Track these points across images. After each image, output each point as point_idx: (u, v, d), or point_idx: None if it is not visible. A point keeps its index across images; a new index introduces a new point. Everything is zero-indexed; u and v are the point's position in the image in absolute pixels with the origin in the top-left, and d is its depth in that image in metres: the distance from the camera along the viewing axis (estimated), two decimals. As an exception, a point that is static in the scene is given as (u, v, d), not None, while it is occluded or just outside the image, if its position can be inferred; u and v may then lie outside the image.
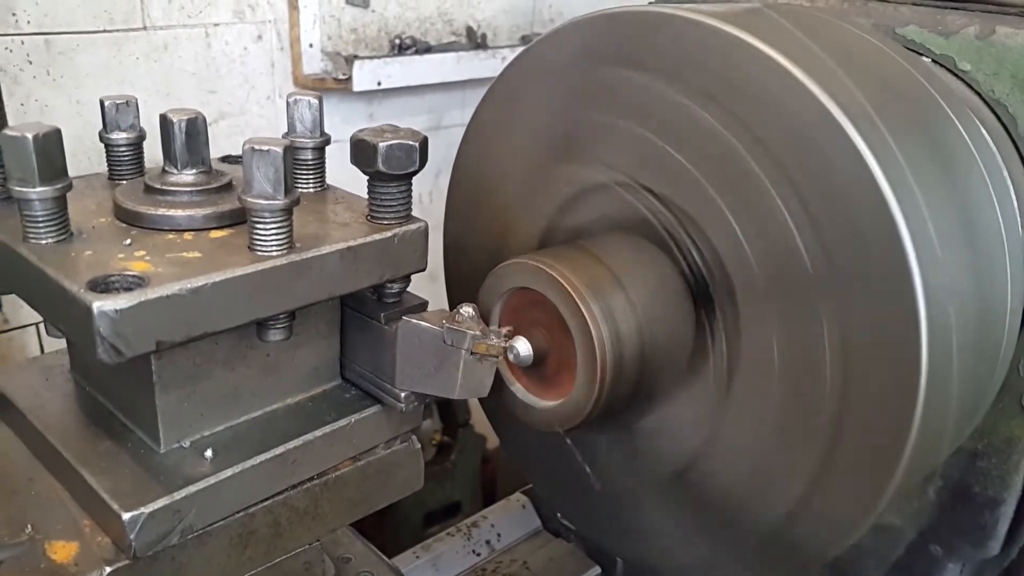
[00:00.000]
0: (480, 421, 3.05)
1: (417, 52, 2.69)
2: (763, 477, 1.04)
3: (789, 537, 1.04)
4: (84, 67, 2.15)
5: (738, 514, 1.08)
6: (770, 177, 0.92)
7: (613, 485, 1.23)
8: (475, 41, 2.86)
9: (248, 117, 2.47)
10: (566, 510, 1.57)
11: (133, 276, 0.81)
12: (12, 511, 0.93)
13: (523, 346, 1.06)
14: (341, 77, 2.52)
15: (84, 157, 2.03)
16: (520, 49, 2.99)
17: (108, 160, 1.07)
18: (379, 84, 2.58)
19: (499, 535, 1.80)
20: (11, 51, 2.02)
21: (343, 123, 2.57)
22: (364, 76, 2.53)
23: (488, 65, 2.80)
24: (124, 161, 1.07)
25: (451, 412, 3.02)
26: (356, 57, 2.53)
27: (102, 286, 0.79)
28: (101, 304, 0.76)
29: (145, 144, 1.08)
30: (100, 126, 1.06)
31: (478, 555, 1.75)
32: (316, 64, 2.54)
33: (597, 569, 1.74)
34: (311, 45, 2.51)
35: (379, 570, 1.28)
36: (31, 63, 2.08)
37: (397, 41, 2.70)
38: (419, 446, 1.09)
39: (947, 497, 1.28)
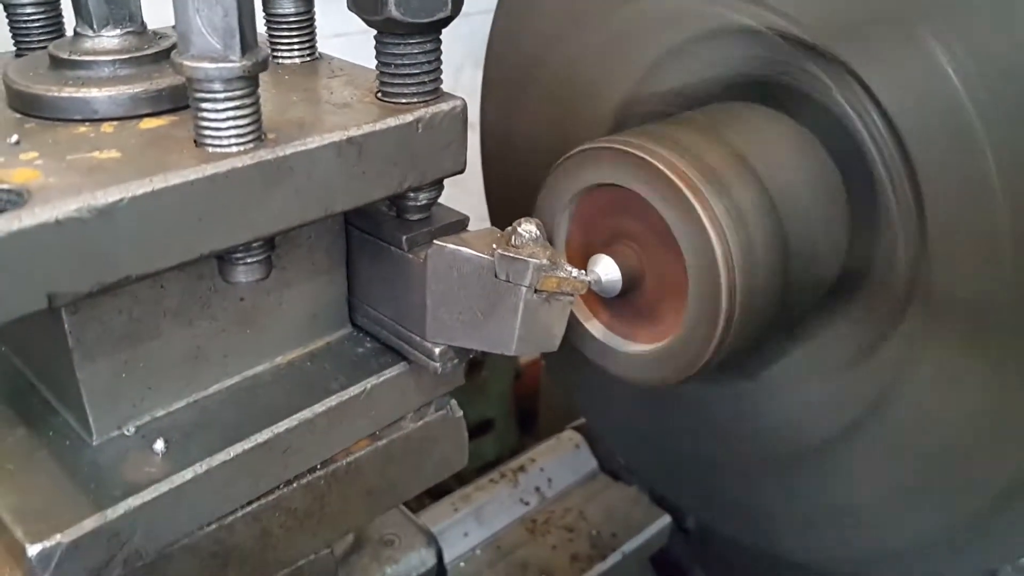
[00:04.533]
0: (513, 336, 2.87)
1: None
2: (968, 450, 0.79)
3: (996, 522, 0.80)
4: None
5: (926, 498, 0.83)
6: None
7: (732, 455, 0.96)
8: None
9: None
10: (659, 480, 1.34)
11: (8, 191, 0.53)
12: None
13: (607, 268, 0.80)
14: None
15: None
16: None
17: (11, 27, 0.79)
18: (387, -37, 2.26)
19: (550, 480, 1.60)
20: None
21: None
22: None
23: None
24: (33, 28, 0.79)
25: (480, 326, 2.83)
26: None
27: (-42, 209, 0.51)
28: (-51, 238, 0.47)
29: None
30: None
31: (527, 504, 1.55)
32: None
33: (667, 518, 1.54)
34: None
35: (407, 532, 1.07)
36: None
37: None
38: (460, 413, 0.85)
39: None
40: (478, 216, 0.85)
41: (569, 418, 1.70)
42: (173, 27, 0.80)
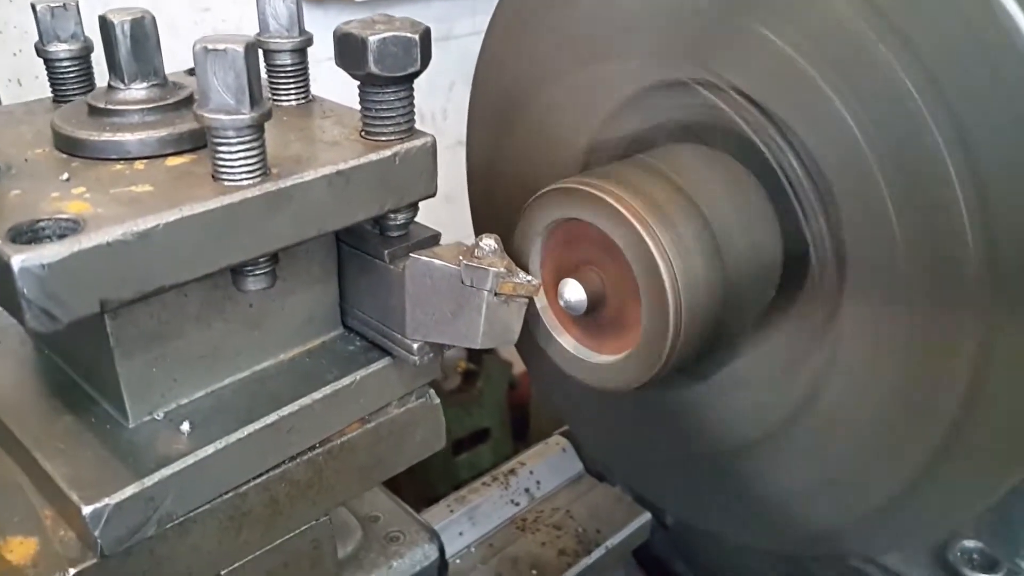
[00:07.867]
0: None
1: (422, -46, 2.46)
2: (881, 440, 0.88)
3: (908, 509, 0.88)
4: (62, -14, 1.97)
5: (850, 483, 0.92)
6: (919, 90, 0.72)
7: (690, 450, 1.06)
8: (486, -59, 2.62)
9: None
10: (627, 475, 1.40)
11: (66, 220, 0.64)
12: (-38, 501, 0.79)
13: (574, 291, 0.88)
14: (342, -15, 2.31)
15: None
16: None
17: (50, 79, 0.91)
18: (383, -9, 2.38)
19: (538, 482, 1.68)
20: (-21, -28, 1.84)
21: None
22: (366, -18, 2.32)
23: (502, -33, 2.56)
24: (69, 79, 0.90)
25: (475, 338, 2.91)
26: (357, -38, 2.31)
27: (28, 235, 0.63)
28: (24, 258, 0.60)
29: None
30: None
31: (517, 505, 1.64)
32: (314, -28, 2.34)
33: (647, 515, 1.61)
34: (308, -49, 2.30)
35: (410, 529, 1.14)
36: (3, -16, 1.90)
37: (401, -57, 2.47)
38: (438, 400, 0.94)
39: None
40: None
41: (558, 424, 1.77)
42: (188, 71, 0.94)
